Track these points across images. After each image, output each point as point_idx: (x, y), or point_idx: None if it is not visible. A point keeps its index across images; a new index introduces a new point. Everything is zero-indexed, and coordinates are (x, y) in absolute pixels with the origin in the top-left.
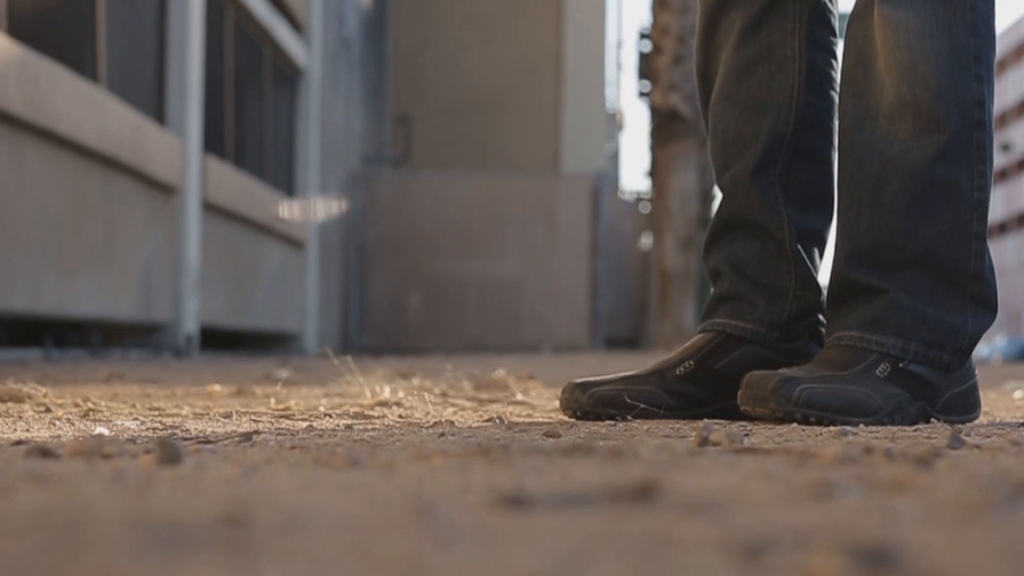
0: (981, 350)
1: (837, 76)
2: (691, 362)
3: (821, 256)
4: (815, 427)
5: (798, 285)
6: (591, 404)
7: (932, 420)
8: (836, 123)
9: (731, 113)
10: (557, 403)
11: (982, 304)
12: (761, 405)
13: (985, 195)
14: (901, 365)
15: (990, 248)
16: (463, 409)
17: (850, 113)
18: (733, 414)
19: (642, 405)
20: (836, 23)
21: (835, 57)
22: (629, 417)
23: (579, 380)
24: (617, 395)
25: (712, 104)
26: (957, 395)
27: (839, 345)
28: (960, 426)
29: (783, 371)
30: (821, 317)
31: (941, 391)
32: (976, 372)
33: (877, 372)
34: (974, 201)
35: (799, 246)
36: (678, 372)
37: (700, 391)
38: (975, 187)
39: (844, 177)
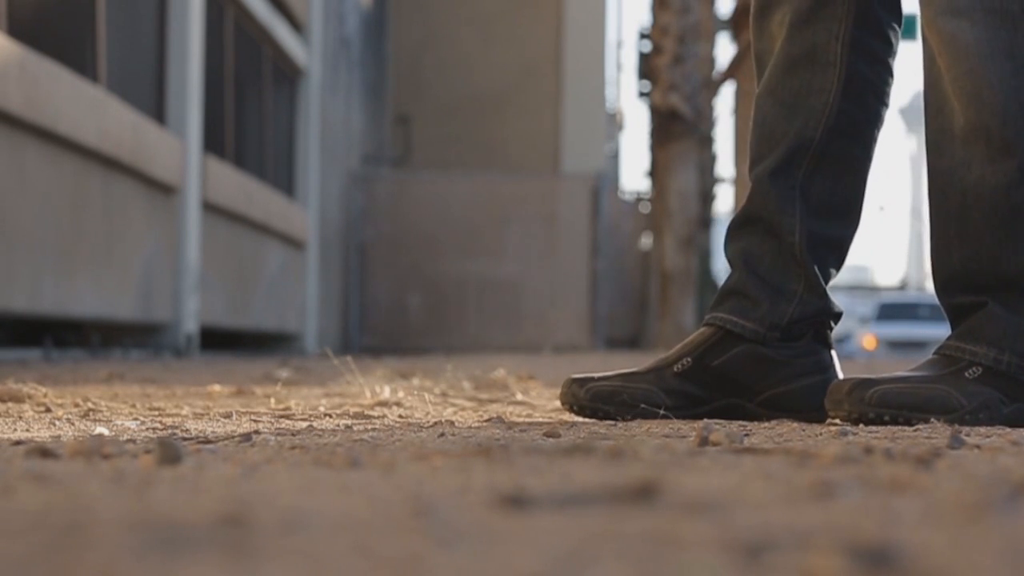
0: None
1: (886, 86)
2: (689, 359)
3: (838, 265)
4: (815, 427)
5: (805, 289)
6: (588, 399)
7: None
8: (876, 133)
9: (771, 108)
10: (557, 403)
11: None
12: (838, 408)
13: None
14: (997, 368)
15: None
16: (463, 409)
17: (930, 137)
18: (731, 413)
19: (641, 405)
20: (892, 31)
21: (885, 67)
22: (628, 417)
23: (578, 375)
24: (614, 391)
25: (758, 95)
26: None
27: (936, 354)
28: (960, 426)
29: (863, 375)
30: (828, 320)
31: None
32: None
33: (966, 374)
34: None
35: (810, 252)
36: (676, 369)
37: (697, 389)
38: None
39: (932, 205)
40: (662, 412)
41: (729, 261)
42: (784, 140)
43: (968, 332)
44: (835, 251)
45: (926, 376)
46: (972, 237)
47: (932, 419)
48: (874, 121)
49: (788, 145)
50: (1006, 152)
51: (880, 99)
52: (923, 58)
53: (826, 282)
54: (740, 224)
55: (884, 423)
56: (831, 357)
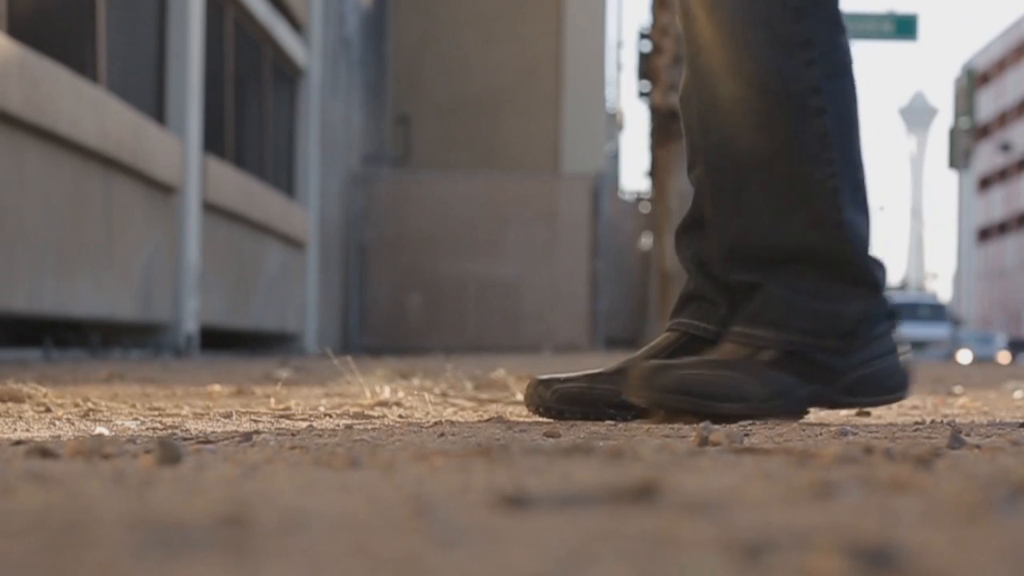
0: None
1: None
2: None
3: None
4: (815, 427)
5: None
6: (554, 401)
7: (834, 402)
8: None
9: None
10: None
11: (865, 286)
12: (634, 393)
13: (838, 181)
14: (786, 349)
15: (988, 247)
16: (463, 409)
17: (697, 117)
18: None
19: (607, 408)
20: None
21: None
22: (592, 419)
23: (543, 376)
24: (581, 393)
25: (681, 96)
26: (865, 377)
27: (727, 340)
28: (960, 426)
29: (661, 360)
30: None
31: (842, 373)
32: (897, 353)
33: (760, 358)
34: (827, 190)
35: None
36: None
37: None
38: (826, 176)
39: (711, 184)
40: (631, 414)
41: (684, 266)
42: None
43: (751, 316)
44: None
45: (724, 363)
46: (749, 212)
47: (724, 408)
48: None
49: None
50: (768, 124)
51: None
52: (686, 39)
53: None
54: (688, 227)
55: (680, 409)
56: None
